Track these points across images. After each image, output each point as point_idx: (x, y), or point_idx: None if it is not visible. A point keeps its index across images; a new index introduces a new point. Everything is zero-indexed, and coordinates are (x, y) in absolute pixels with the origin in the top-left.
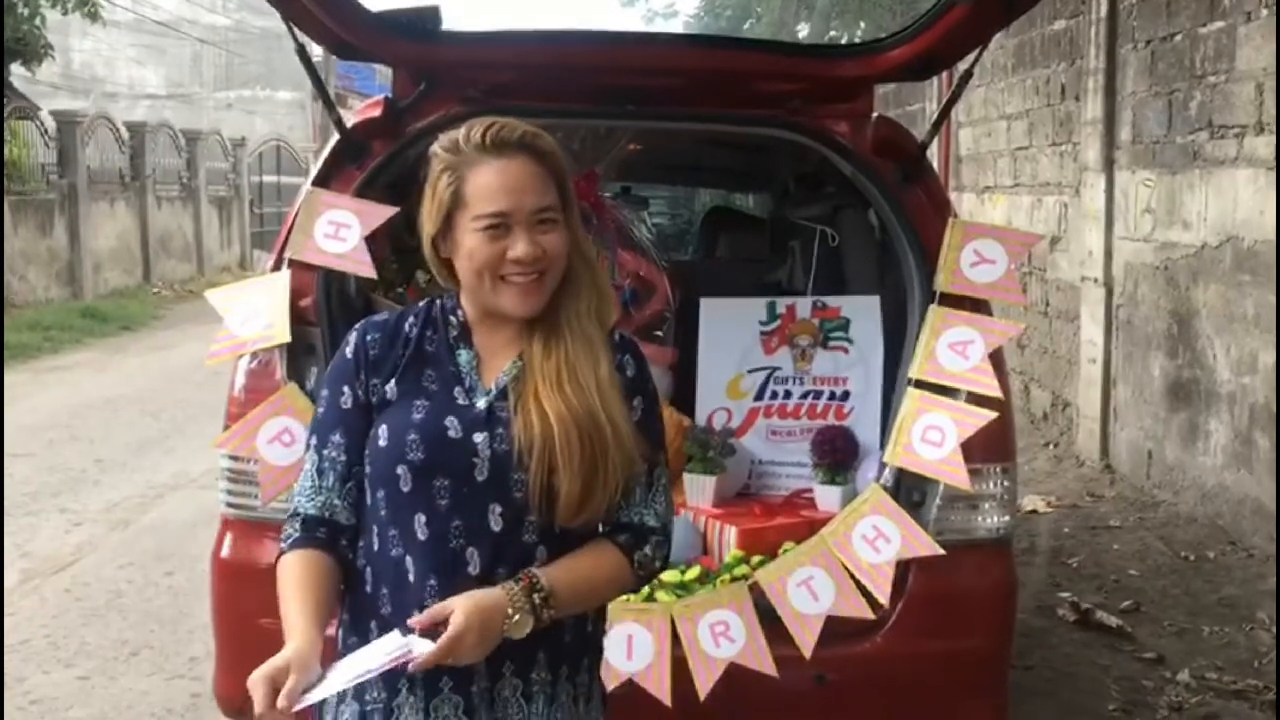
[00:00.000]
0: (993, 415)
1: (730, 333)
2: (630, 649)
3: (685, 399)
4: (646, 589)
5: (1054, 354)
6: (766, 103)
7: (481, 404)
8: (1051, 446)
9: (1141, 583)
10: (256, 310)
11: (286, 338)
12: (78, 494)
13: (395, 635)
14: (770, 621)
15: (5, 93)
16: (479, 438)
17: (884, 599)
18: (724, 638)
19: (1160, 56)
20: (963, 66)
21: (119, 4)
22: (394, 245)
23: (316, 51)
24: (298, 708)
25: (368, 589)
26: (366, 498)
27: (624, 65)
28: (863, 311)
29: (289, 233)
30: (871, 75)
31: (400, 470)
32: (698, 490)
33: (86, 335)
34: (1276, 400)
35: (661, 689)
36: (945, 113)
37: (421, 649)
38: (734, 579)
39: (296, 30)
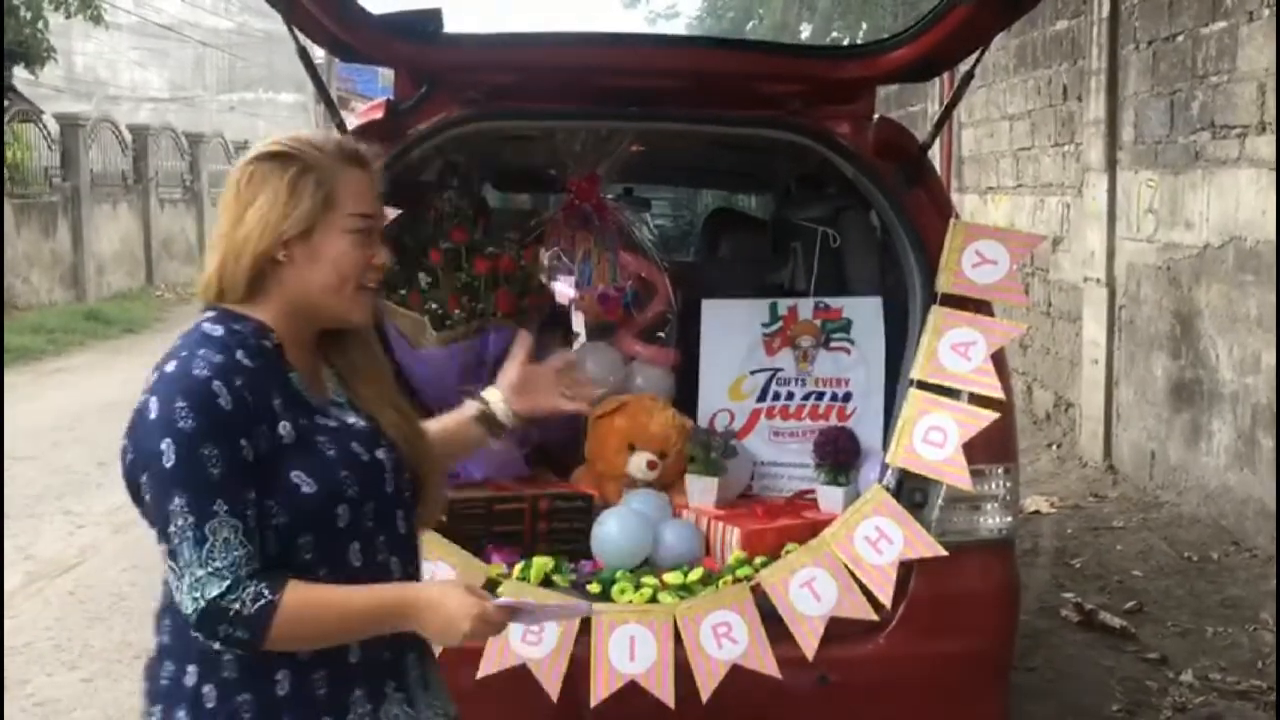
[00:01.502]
0: (995, 416)
1: (732, 334)
2: (633, 650)
3: (687, 401)
4: (649, 590)
5: (1056, 354)
6: (768, 104)
7: (353, 420)
8: (1054, 447)
9: (1145, 583)
10: None
11: None
12: (81, 496)
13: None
14: (772, 622)
15: (7, 96)
16: (380, 453)
17: (886, 600)
18: (726, 639)
19: (1162, 57)
20: (964, 67)
21: (121, 7)
22: (396, 246)
23: (318, 54)
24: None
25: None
26: (267, 550)
27: (626, 67)
28: (865, 312)
29: None
30: (873, 76)
31: (341, 509)
32: (700, 491)
33: (89, 338)
34: (1278, 400)
35: (664, 690)
36: (947, 114)
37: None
38: (736, 580)
39: (298, 33)
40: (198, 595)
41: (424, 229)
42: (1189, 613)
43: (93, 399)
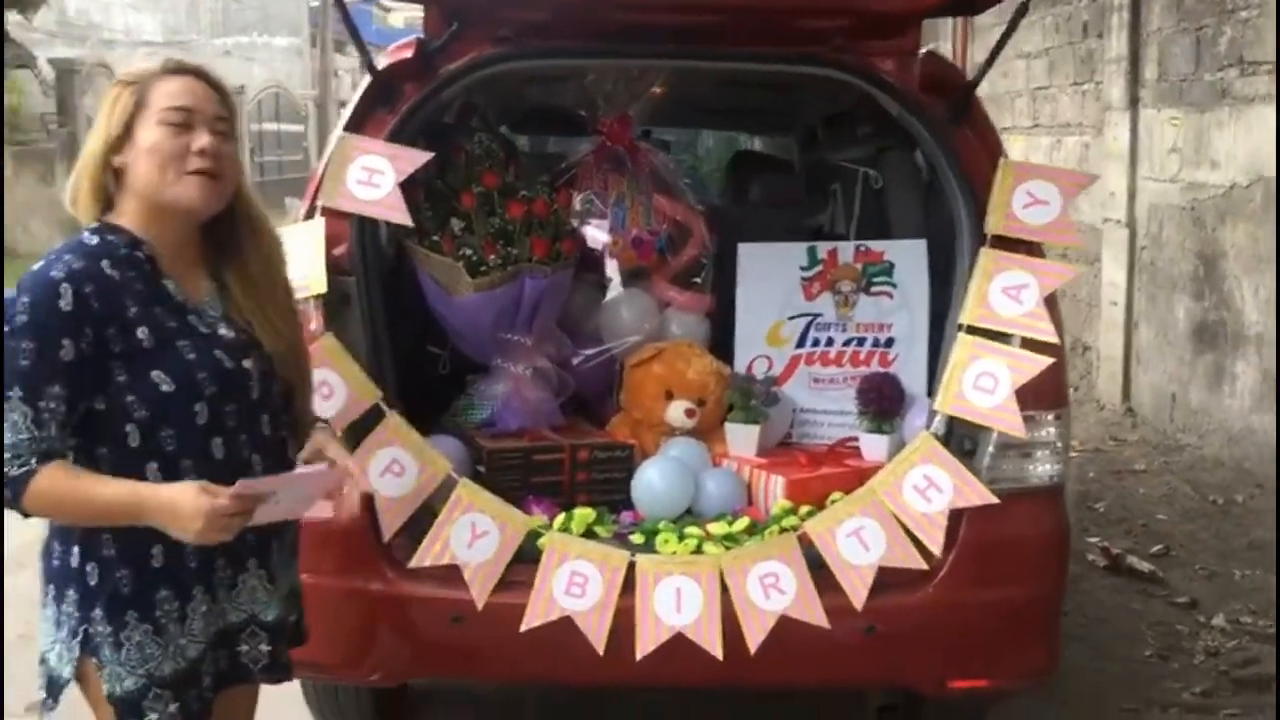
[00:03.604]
0: (1049, 361)
1: (769, 279)
2: (679, 602)
3: (723, 346)
4: (694, 541)
5: (1074, 297)
6: (810, 40)
7: (224, 330)
8: (1071, 390)
9: (1170, 527)
10: (291, 260)
11: (323, 288)
12: None
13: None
14: (818, 572)
15: (2, 42)
16: (247, 363)
17: (937, 549)
18: (774, 589)
19: None
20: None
21: None
22: (427, 192)
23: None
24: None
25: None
26: (129, 440)
27: (661, 2)
28: (908, 255)
29: (321, 180)
30: (920, 9)
31: (199, 407)
32: (740, 440)
33: None
34: None
35: (711, 642)
36: (999, 48)
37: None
38: (782, 530)
39: None
40: None
41: (454, 173)
42: (1216, 556)
43: None
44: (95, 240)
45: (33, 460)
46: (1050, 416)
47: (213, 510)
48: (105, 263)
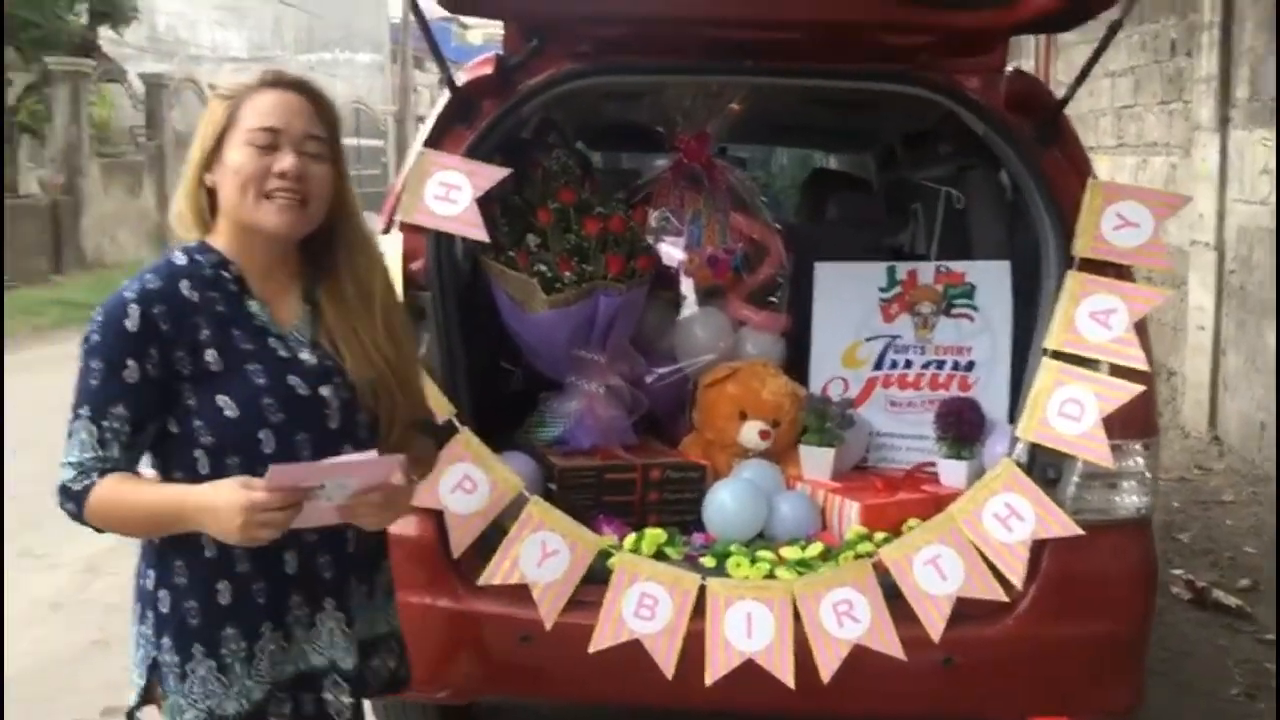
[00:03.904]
0: (1138, 389)
1: (847, 299)
2: (750, 627)
3: (799, 367)
4: (766, 565)
5: (1159, 320)
6: (894, 57)
7: (306, 355)
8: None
9: (1259, 560)
10: None
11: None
12: None
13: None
14: (894, 601)
15: (94, 55)
16: (325, 391)
17: (1018, 580)
18: (847, 617)
19: None
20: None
21: None
22: (503, 207)
23: (394, 14)
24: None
25: (208, 554)
26: (199, 467)
27: (743, 18)
28: (991, 277)
29: (399, 195)
30: (1008, 25)
31: (263, 435)
32: (815, 463)
33: None
34: None
35: (783, 670)
36: (1089, 66)
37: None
38: (857, 556)
39: None
40: (60, 477)
41: (531, 189)
42: None
43: None
44: (182, 260)
45: (95, 475)
46: (1138, 446)
47: (251, 504)
48: (185, 283)
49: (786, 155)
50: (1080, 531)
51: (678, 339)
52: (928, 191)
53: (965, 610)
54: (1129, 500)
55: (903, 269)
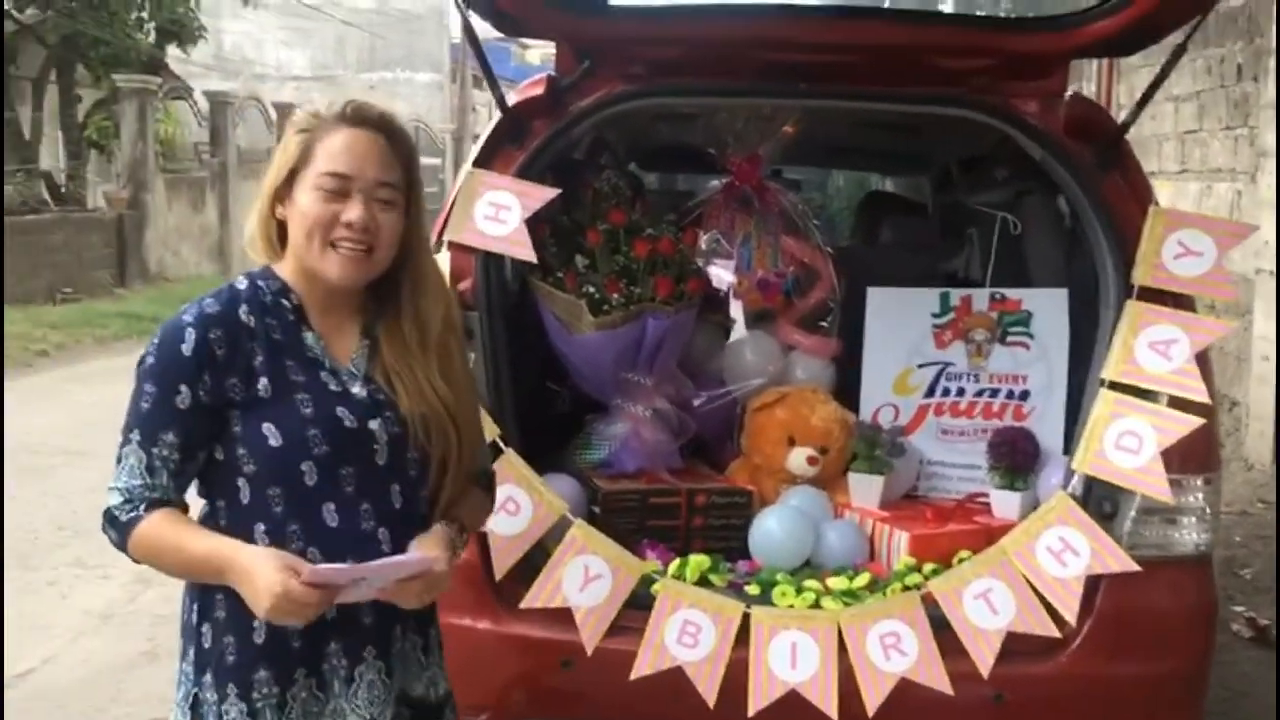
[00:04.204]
0: (1199, 422)
1: (899, 324)
2: (794, 658)
3: (849, 393)
4: (812, 594)
5: (1221, 349)
6: (950, 80)
7: (358, 389)
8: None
9: None
10: None
11: None
12: None
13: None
14: (942, 634)
15: (161, 73)
16: (374, 424)
17: (1071, 616)
18: (894, 650)
19: None
20: (1171, 40)
21: None
22: (553, 228)
23: (455, 34)
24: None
25: None
26: (241, 496)
27: (797, 41)
28: (1048, 305)
29: (448, 214)
30: (1068, 49)
31: (306, 466)
32: (864, 491)
33: None
34: None
35: (827, 702)
36: (1152, 91)
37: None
38: (906, 588)
39: (462, 3)
40: (107, 501)
41: (581, 209)
42: None
43: None
44: (244, 285)
45: (141, 507)
46: (1199, 481)
47: (285, 594)
48: (244, 309)
49: (843, 177)
50: (1136, 568)
51: (726, 362)
52: (984, 217)
53: (1016, 646)
54: (1188, 537)
55: (957, 295)
